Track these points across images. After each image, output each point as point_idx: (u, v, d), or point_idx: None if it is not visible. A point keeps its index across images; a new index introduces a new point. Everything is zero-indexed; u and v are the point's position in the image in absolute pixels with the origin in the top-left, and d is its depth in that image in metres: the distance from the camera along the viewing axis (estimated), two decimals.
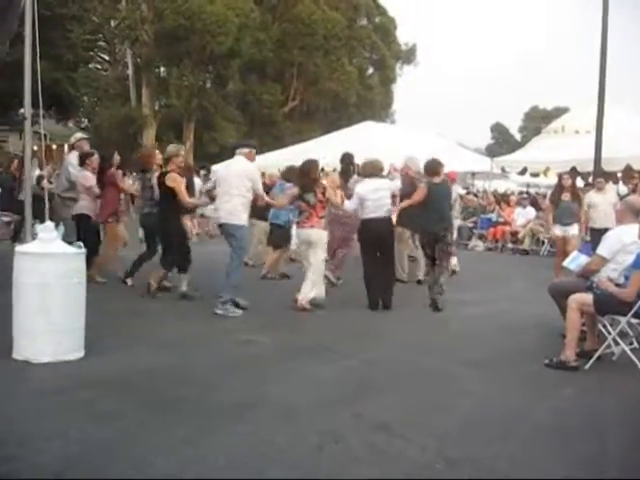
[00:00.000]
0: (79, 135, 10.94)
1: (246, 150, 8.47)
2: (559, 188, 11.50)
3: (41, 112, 6.13)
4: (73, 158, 10.19)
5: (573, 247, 10.12)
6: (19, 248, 5.71)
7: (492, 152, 40.72)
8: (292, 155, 15.89)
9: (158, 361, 5.83)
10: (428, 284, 9.05)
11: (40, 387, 5.06)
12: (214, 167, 11.52)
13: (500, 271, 13.22)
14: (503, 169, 18.93)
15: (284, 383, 5.37)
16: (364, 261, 8.84)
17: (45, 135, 10.57)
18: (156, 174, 9.08)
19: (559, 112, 42.79)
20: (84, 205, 9.58)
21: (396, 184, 9.46)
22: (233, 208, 8.08)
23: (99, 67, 36.35)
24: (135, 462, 3.81)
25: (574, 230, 11.15)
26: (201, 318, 7.69)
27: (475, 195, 21.46)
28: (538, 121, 64.79)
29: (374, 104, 39.77)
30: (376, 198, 8.63)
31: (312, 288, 8.36)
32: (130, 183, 11.52)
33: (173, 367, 5.69)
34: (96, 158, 9.77)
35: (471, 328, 7.85)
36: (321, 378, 5.57)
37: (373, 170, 8.99)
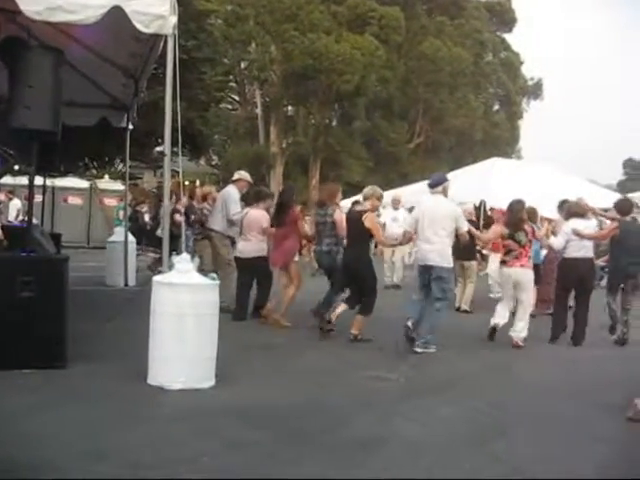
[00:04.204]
0: (243, 173, 10.34)
1: (440, 188, 8.27)
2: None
3: (180, 150, 6.34)
4: (235, 194, 9.88)
5: None
6: (157, 278, 5.90)
7: (624, 188, 39.21)
8: (419, 191, 15.78)
9: (286, 393, 5.87)
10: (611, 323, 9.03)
11: (172, 413, 5.18)
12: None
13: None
14: (638, 205, 18.11)
15: (413, 421, 5.27)
16: (558, 298, 8.98)
17: (177, 172, 10.88)
18: (337, 211, 8.91)
19: None
20: (261, 247, 9.33)
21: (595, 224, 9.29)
22: (443, 250, 7.91)
23: (229, 107, 37.61)
24: None
25: None
26: (331, 354, 7.68)
27: None
28: None
29: (500, 140, 39.07)
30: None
31: (526, 326, 8.48)
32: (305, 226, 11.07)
33: (301, 400, 5.70)
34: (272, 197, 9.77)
35: (605, 371, 7.50)
36: (451, 418, 5.42)
37: (579, 210, 9.04)
